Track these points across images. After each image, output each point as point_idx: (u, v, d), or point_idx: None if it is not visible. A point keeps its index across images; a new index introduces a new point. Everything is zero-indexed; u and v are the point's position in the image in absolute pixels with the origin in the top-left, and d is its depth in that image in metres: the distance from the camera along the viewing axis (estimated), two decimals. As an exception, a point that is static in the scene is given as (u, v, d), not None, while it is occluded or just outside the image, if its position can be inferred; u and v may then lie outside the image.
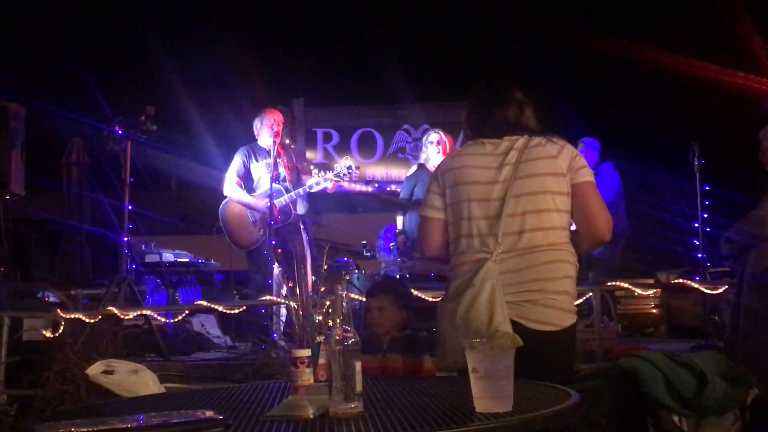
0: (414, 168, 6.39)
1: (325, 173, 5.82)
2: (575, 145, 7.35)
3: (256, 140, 5.83)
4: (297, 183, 5.76)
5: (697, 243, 6.12)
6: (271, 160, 5.60)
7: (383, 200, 9.21)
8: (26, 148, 6.28)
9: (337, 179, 5.80)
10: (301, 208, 5.85)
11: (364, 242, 7.09)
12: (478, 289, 2.33)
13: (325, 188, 5.84)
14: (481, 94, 2.65)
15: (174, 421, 1.55)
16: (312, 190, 5.80)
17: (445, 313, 2.43)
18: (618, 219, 6.65)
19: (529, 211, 2.41)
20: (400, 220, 6.19)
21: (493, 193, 2.45)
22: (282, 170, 5.71)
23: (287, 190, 5.64)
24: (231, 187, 5.72)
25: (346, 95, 10.46)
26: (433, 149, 5.94)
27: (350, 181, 5.94)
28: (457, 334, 2.28)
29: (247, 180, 5.72)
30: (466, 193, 2.48)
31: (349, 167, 5.86)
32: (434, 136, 5.99)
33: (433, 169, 5.82)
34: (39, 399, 4.21)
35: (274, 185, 5.58)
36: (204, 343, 5.89)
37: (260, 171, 5.70)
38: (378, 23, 10.09)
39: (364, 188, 9.38)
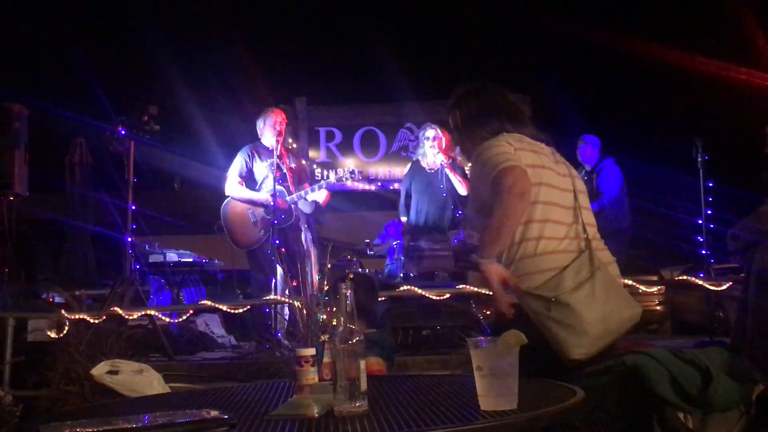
0: (409, 165, 6.39)
1: (327, 177, 5.84)
2: (576, 143, 7.39)
3: (259, 139, 5.84)
4: (298, 184, 5.76)
5: (701, 239, 6.10)
6: (274, 160, 5.61)
7: (386, 198, 9.22)
8: (29, 149, 6.29)
9: (339, 181, 5.82)
10: (306, 208, 5.86)
11: (368, 240, 7.10)
12: (605, 273, 2.35)
13: (329, 184, 5.84)
14: (507, 96, 2.69)
15: (179, 420, 1.55)
16: (309, 196, 5.79)
17: (579, 297, 2.29)
18: (622, 215, 6.66)
19: (587, 207, 2.54)
20: (404, 219, 6.22)
21: (567, 184, 2.51)
22: (284, 170, 5.71)
23: (289, 192, 5.65)
24: (232, 186, 5.73)
25: (348, 94, 10.45)
26: (429, 145, 5.93)
27: (356, 180, 5.94)
28: (603, 318, 2.28)
29: (249, 180, 5.72)
30: (546, 178, 2.46)
31: (352, 171, 5.86)
32: (430, 131, 5.97)
33: (430, 165, 5.91)
34: (44, 399, 4.22)
35: (277, 186, 5.59)
36: (208, 343, 5.90)
37: (263, 171, 5.70)
38: (380, 21, 10.08)
39: (367, 187, 9.39)
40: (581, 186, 2.57)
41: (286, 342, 4.94)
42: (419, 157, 6.11)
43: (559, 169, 2.53)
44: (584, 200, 2.54)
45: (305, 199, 5.75)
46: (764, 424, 2.42)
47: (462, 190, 5.80)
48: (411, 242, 6.03)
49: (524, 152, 2.45)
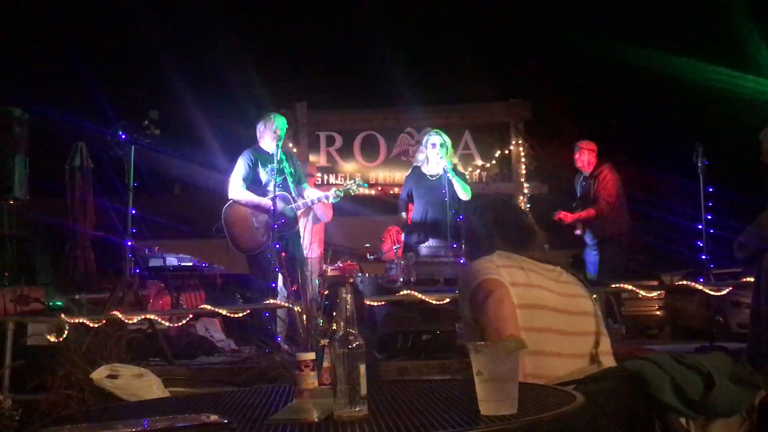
0: (410, 170, 6.41)
1: (332, 187, 5.85)
2: (572, 149, 7.42)
3: (259, 143, 5.83)
4: (297, 189, 5.76)
5: (701, 245, 6.11)
6: (274, 165, 5.60)
7: (386, 203, 9.23)
8: (30, 153, 6.30)
9: (340, 194, 5.82)
10: (324, 215, 5.92)
11: (368, 245, 7.10)
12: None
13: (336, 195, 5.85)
14: (512, 214, 2.58)
15: (179, 425, 1.54)
16: (315, 203, 5.96)
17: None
18: (621, 220, 6.66)
19: (602, 333, 2.44)
20: (403, 217, 6.26)
21: (574, 306, 2.37)
22: (285, 175, 5.70)
23: (291, 198, 5.64)
24: (237, 190, 5.70)
25: (349, 98, 10.47)
26: (433, 152, 5.95)
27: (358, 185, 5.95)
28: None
29: (254, 183, 5.70)
30: (541, 300, 2.29)
31: (355, 181, 5.88)
32: (435, 137, 6.00)
33: (433, 170, 5.94)
34: (44, 404, 4.20)
35: (279, 191, 5.58)
36: (208, 347, 5.89)
37: (266, 175, 5.70)
38: (381, 26, 10.11)
39: (367, 191, 9.38)
40: (597, 309, 2.40)
41: (285, 346, 4.94)
42: (420, 164, 6.12)
43: (562, 289, 2.34)
44: (599, 325, 2.36)
45: (311, 205, 5.85)
46: (766, 430, 2.42)
47: (463, 195, 5.84)
48: (412, 247, 6.04)
49: (510, 269, 2.29)
